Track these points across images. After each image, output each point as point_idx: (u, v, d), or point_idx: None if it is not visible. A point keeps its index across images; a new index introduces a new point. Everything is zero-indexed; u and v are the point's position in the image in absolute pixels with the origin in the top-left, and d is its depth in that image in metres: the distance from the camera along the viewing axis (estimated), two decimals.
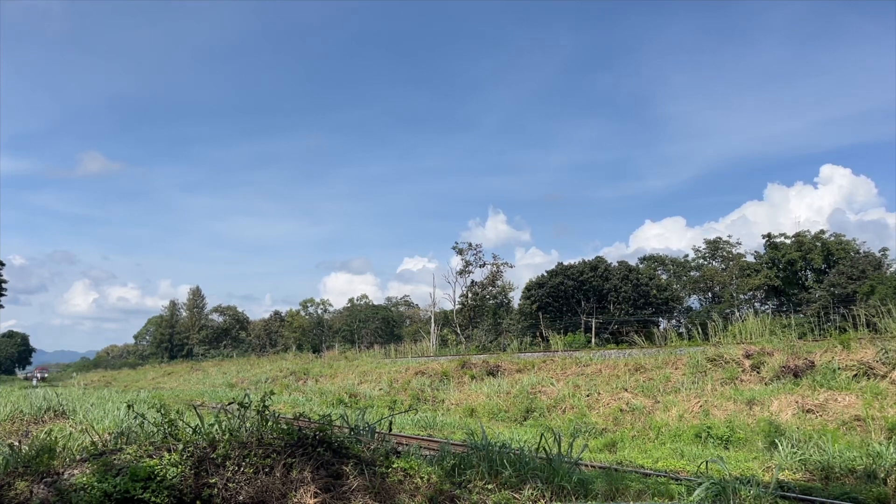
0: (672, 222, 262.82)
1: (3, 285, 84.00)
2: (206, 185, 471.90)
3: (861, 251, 71.51)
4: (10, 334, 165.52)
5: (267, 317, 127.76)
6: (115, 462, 8.10)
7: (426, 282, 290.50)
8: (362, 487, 8.26)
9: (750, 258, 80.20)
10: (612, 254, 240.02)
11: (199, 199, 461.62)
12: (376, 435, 11.06)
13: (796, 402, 20.24)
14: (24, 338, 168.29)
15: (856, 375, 20.89)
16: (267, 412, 9.59)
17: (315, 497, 7.95)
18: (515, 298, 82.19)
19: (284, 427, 9.22)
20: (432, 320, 71.94)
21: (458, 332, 69.41)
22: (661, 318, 76.32)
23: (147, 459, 8.09)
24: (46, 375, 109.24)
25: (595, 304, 71.24)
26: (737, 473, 12.63)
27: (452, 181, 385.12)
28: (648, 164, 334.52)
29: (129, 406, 11.78)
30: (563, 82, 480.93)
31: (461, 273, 74.26)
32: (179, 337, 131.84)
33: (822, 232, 75.15)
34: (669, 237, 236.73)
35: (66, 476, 8.04)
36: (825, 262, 71.47)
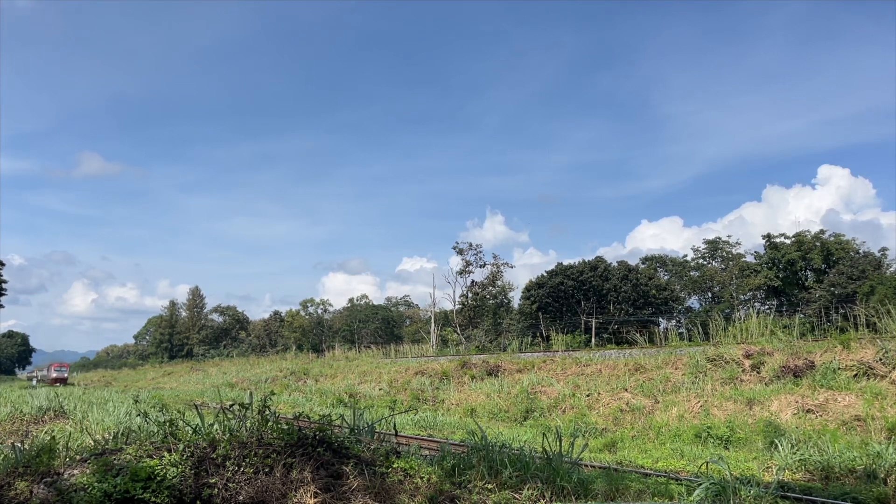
0: (669, 222, 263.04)
1: (3, 285, 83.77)
2: (206, 185, 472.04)
3: (861, 251, 71.48)
4: (10, 334, 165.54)
5: (267, 317, 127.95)
6: (115, 462, 8.10)
7: (424, 282, 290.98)
8: (362, 487, 8.26)
9: (749, 258, 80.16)
10: (609, 254, 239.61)
11: (198, 200, 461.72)
12: (376, 435, 11.07)
13: (796, 402, 20.24)
14: (24, 338, 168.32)
15: (856, 375, 20.90)
16: (267, 412, 9.59)
17: (315, 497, 7.95)
18: (515, 298, 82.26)
19: (284, 427, 9.21)
20: (432, 320, 71.92)
21: (459, 332, 69.39)
22: (661, 318, 76.31)
23: (147, 459, 8.09)
24: (66, 375, 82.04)
25: (595, 304, 71.22)
26: (737, 473, 12.62)
27: (452, 181, 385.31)
28: (648, 165, 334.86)
29: (135, 401, 11.81)
30: (563, 82, 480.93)
31: (461, 273, 74.31)
32: (179, 337, 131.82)
33: (822, 232, 75.14)
34: (666, 237, 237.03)
35: (66, 476, 8.04)
36: (825, 262, 71.43)
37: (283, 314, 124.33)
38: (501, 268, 76.53)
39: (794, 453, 15.45)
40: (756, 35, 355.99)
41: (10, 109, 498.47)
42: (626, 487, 10.21)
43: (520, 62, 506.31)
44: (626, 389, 25.69)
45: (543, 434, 12.25)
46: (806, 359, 22.60)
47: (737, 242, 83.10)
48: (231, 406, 9.97)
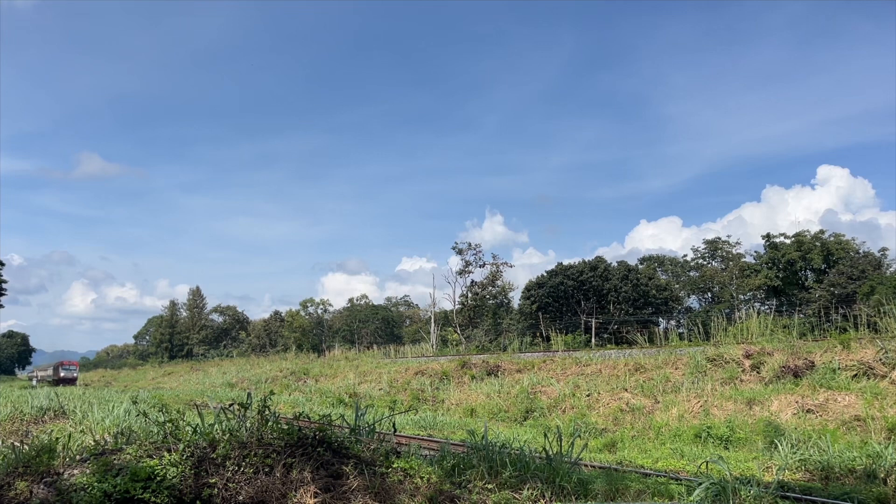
0: (668, 222, 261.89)
1: (3, 285, 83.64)
2: (206, 185, 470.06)
3: (861, 251, 71.50)
4: (10, 334, 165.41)
5: (267, 317, 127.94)
6: (115, 462, 8.10)
7: (423, 282, 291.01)
8: (362, 487, 8.26)
9: (749, 258, 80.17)
10: (609, 254, 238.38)
11: (199, 200, 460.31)
12: (376, 435, 11.06)
13: (796, 402, 20.25)
14: (24, 338, 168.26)
15: (856, 375, 20.91)
16: (267, 412, 9.59)
17: (315, 497, 7.95)
18: (515, 298, 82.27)
19: (284, 427, 9.22)
20: (432, 320, 71.97)
21: (459, 332, 69.39)
22: (660, 318, 76.31)
23: (147, 459, 8.09)
24: (76, 374, 71.94)
25: (595, 304, 71.21)
26: (737, 473, 12.63)
27: (452, 181, 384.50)
28: (647, 165, 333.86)
29: (133, 402, 11.82)
30: (563, 82, 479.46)
31: (461, 273, 74.26)
32: (179, 337, 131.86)
33: (822, 232, 75.15)
34: (665, 237, 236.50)
35: (66, 476, 8.04)
36: (825, 262, 71.44)
37: (283, 314, 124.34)
38: (501, 268, 76.53)
39: (794, 453, 15.46)
40: (756, 35, 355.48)
41: (10, 109, 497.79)
42: (626, 487, 10.21)
43: (520, 62, 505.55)
44: (626, 389, 25.70)
45: (543, 434, 12.26)
46: (806, 359, 22.61)
47: (737, 242, 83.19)
48: (231, 406, 9.97)
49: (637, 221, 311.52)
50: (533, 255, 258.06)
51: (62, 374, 68.61)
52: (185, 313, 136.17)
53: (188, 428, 9.52)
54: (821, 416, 19.22)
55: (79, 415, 23.03)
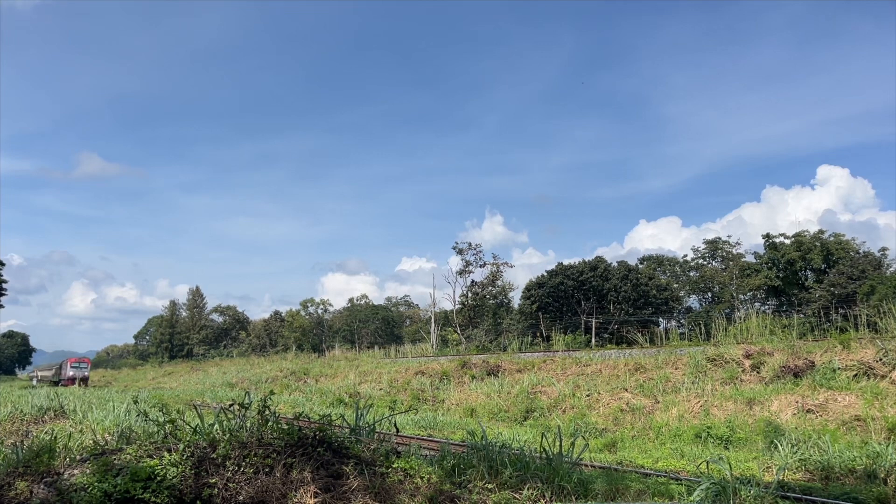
0: (667, 222, 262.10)
1: (3, 285, 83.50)
2: (206, 185, 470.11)
3: (861, 251, 71.50)
4: (10, 334, 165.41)
5: (267, 317, 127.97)
6: (116, 462, 8.10)
7: (422, 282, 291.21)
8: (362, 487, 8.26)
9: (749, 258, 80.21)
10: (608, 254, 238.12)
11: (199, 200, 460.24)
12: (376, 435, 11.07)
13: (796, 402, 20.25)
14: (25, 338, 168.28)
15: (856, 375, 20.91)
16: (267, 412, 9.59)
17: (315, 497, 7.96)
18: (515, 298, 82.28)
19: (285, 427, 9.22)
20: (432, 320, 71.95)
21: (459, 332, 69.37)
22: (660, 318, 76.28)
23: (147, 459, 8.09)
24: (87, 373, 64.36)
25: (595, 304, 71.21)
26: (737, 473, 12.62)
27: (452, 181, 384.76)
28: (647, 165, 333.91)
29: (135, 401, 11.83)
30: (563, 82, 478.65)
31: (461, 273, 74.23)
32: (180, 337, 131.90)
33: (822, 232, 75.16)
34: (664, 237, 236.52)
35: (66, 476, 8.05)
36: (825, 262, 71.44)
37: (283, 314, 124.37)
38: (501, 268, 76.51)
39: (794, 453, 15.46)
40: (756, 35, 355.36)
41: (10, 109, 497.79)
42: (626, 487, 10.22)
43: (520, 62, 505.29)
44: (626, 389, 25.70)
45: (543, 434, 12.26)
46: (806, 359, 22.61)
47: (737, 242, 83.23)
48: (231, 406, 9.97)
49: (637, 221, 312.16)
50: (533, 255, 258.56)
51: (71, 373, 60.48)
52: (185, 313, 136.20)
53: (188, 428, 9.53)
54: (821, 416, 19.22)
55: (79, 415, 23.03)
